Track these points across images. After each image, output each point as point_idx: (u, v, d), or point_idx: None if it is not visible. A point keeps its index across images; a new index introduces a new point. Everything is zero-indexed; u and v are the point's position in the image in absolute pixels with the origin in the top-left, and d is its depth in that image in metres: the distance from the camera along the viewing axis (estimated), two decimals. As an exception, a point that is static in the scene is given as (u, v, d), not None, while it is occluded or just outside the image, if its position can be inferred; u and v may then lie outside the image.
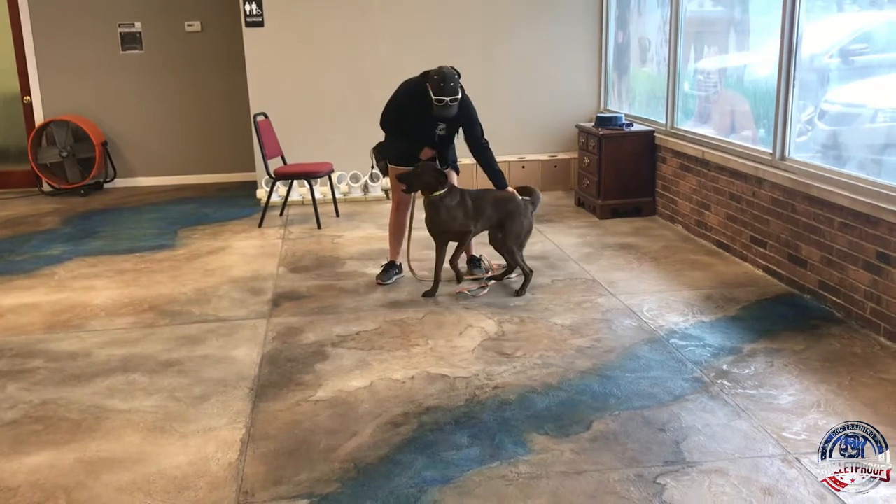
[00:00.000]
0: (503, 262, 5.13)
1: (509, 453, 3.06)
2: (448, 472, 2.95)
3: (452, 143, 5.01)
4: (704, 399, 3.47)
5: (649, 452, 3.05)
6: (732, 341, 4.07)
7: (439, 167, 4.80)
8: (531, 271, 4.95)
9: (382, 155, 5.06)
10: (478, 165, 5.05)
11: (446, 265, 4.96)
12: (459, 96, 4.63)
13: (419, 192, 4.84)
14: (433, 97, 4.60)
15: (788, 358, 3.84)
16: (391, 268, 5.15)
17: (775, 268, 4.96)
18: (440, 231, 4.84)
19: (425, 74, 4.73)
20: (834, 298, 4.41)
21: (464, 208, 4.77)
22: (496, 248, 4.96)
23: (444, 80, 4.57)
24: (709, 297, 4.71)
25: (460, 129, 4.95)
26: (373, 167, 5.19)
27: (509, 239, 4.82)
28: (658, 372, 3.74)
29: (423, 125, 4.83)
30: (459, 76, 4.68)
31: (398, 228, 5.16)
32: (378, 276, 5.12)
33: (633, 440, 3.14)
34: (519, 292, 4.85)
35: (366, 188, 7.65)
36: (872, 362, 3.78)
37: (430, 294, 4.85)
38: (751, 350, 3.95)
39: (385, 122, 4.95)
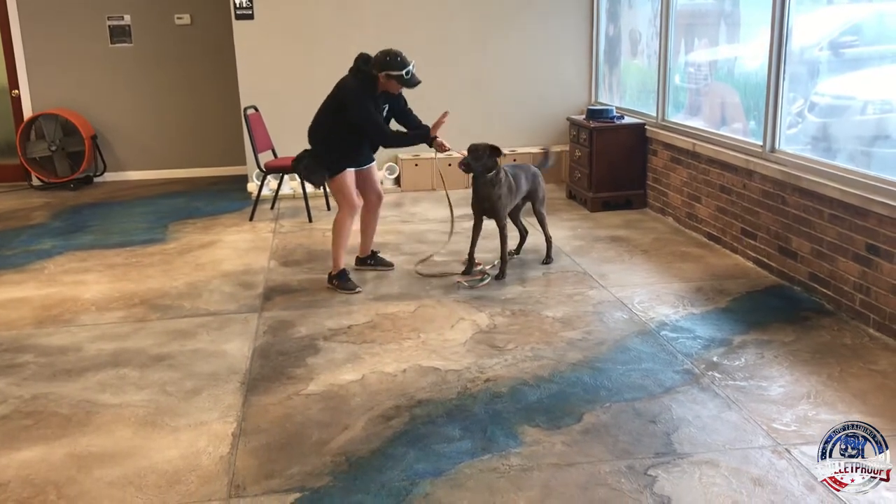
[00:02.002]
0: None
1: (501, 446, 3.07)
2: (440, 464, 2.95)
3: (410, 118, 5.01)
4: (695, 391, 3.48)
5: (640, 444, 3.06)
6: (723, 333, 4.08)
7: (493, 146, 4.87)
8: (551, 237, 5.38)
9: (324, 167, 4.79)
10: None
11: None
12: (406, 72, 4.60)
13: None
14: (402, 73, 4.58)
15: (778, 349, 3.86)
16: (347, 274, 4.93)
17: (766, 260, 4.98)
18: (488, 208, 4.97)
19: (359, 70, 4.68)
20: (824, 290, 4.43)
21: (508, 185, 4.99)
22: (515, 220, 5.31)
23: (397, 55, 4.60)
24: (699, 290, 4.72)
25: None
26: (307, 180, 4.99)
27: (539, 204, 5.27)
28: (649, 364, 3.75)
29: (376, 108, 4.78)
30: None
31: (347, 236, 4.91)
32: (343, 287, 4.85)
33: (624, 432, 3.15)
34: (546, 261, 5.25)
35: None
36: (862, 353, 3.80)
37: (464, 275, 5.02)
38: (741, 342, 3.97)
39: (381, 129, 4.71)
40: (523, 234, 5.45)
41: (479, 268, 5.12)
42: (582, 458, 2.97)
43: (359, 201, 4.93)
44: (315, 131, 4.84)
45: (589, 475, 2.86)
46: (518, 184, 5.09)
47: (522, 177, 5.16)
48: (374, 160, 5.06)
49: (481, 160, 4.84)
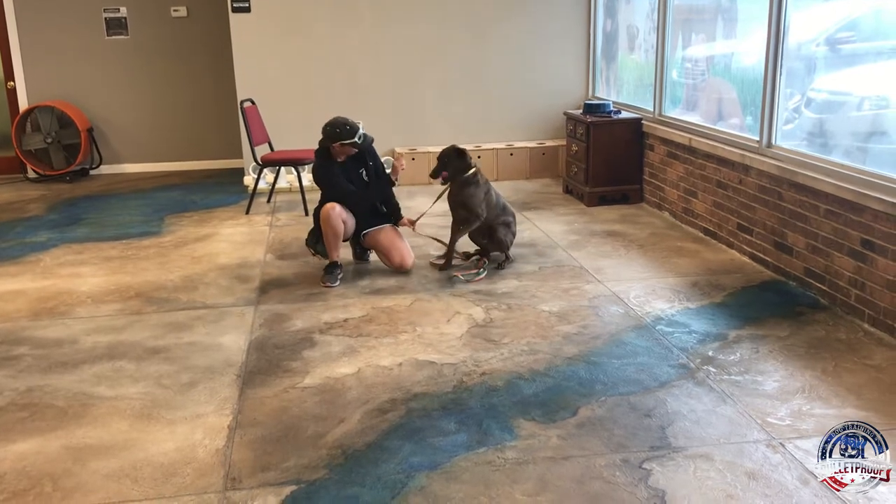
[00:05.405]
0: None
1: (496, 439, 3.08)
2: (435, 457, 2.96)
3: (385, 185, 5.06)
4: (690, 385, 3.49)
5: (635, 438, 3.07)
6: (718, 328, 4.09)
7: (457, 148, 4.96)
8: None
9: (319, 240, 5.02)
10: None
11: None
12: (358, 136, 4.75)
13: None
14: (356, 140, 4.75)
15: (773, 344, 3.87)
16: (334, 268, 4.93)
17: (761, 255, 4.99)
18: (456, 205, 5.01)
19: (322, 143, 4.89)
20: (819, 285, 4.44)
21: (486, 190, 5.00)
22: (475, 241, 5.24)
23: (345, 123, 4.77)
24: (695, 284, 4.73)
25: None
26: (314, 254, 5.11)
27: (502, 233, 5.12)
28: (644, 358, 3.76)
29: (350, 177, 4.93)
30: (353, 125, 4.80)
31: (334, 234, 4.89)
32: (323, 277, 4.88)
33: (619, 426, 3.16)
34: (505, 263, 5.16)
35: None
36: (856, 348, 3.81)
37: (443, 267, 5.06)
38: (736, 336, 3.98)
39: (335, 191, 4.88)
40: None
41: (475, 258, 5.15)
42: (577, 452, 2.98)
43: (340, 222, 4.88)
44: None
45: (584, 468, 2.87)
46: (497, 203, 5.07)
47: (504, 205, 5.15)
48: (379, 225, 5.09)
49: (452, 164, 4.95)
